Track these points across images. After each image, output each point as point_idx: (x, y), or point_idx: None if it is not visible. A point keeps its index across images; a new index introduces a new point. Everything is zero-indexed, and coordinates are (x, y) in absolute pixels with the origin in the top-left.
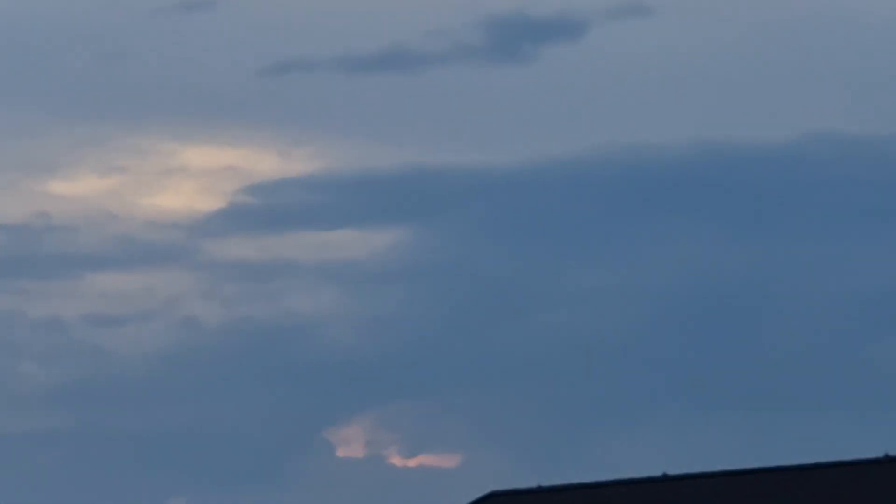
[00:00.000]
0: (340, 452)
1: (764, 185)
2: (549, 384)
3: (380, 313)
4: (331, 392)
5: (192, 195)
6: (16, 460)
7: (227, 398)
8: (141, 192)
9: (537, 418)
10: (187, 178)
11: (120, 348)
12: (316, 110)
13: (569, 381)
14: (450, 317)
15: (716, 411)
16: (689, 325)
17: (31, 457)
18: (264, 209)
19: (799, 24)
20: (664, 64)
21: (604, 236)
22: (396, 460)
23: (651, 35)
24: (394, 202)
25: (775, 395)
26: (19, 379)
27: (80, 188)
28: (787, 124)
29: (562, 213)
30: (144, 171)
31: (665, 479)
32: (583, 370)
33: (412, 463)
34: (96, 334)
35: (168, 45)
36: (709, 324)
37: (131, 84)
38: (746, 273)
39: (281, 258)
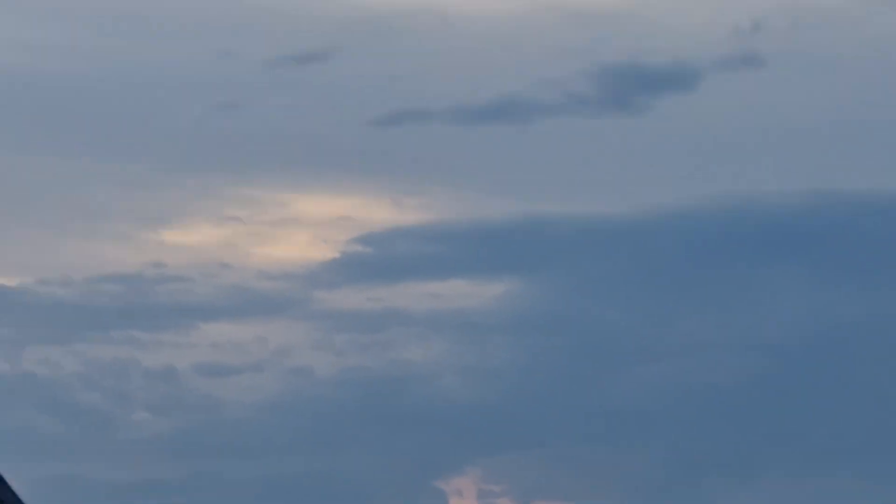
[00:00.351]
0: (453, 502)
1: (877, 234)
2: (658, 435)
3: (490, 364)
4: (442, 442)
5: (305, 245)
6: None
7: (339, 447)
8: (254, 243)
9: (647, 469)
10: (300, 228)
11: (232, 397)
12: (429, 160)
13: (678, 432)
14: (560, 367)
15: (829, 465)
16: (800, 375)
17: None
18: (377, 259)
19: None
20: (776, 114)
21: (714, 287)
22: None
23: (763, 86)
24: (505, 252)
25: (891, 445)
26: (132, 427)
27: (194, 238)
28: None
29: (672, 264)
30: (258, 222)
31: None
32: (692, 421)
33: None
34: (208, 383)
35: (282, 97)
36: (821, 375)
37: (245, 135)
38: (859, 323)
39: (392, 308)
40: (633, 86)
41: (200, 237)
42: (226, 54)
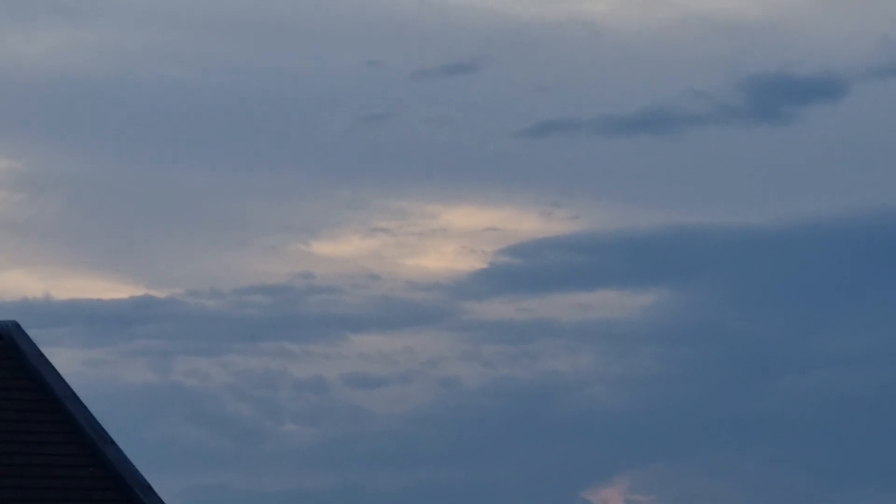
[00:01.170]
0: None
1: None
2: (805, 445)
3: (638, 374)
4: (590, 452)
5: (453, 256)
6: None
7: (486, 458)
8: (402, 254)
9: (795, 479)
10: (448, 239)
11: (380, 408)
12: (577, 171)
13: (824, 444)
14: (707, 377)
15: None
16: None
17: None
18: (524, 270)
19: None
20: None
21: (859, 297)
22: None
23: None
24: (652, 263)
25: None
26: (281, 438)
27: (343, 249)
28: None
29: (819, 275)
30: (406, 233)
31: None
32: (838, 433)
33: None
34: (357, 394)
35: (429, 108)
36: None
37: (393, 147)
38: None
39: (540, 319)
40: (781, 96)
41: (349, 248)
42: (373, 64)
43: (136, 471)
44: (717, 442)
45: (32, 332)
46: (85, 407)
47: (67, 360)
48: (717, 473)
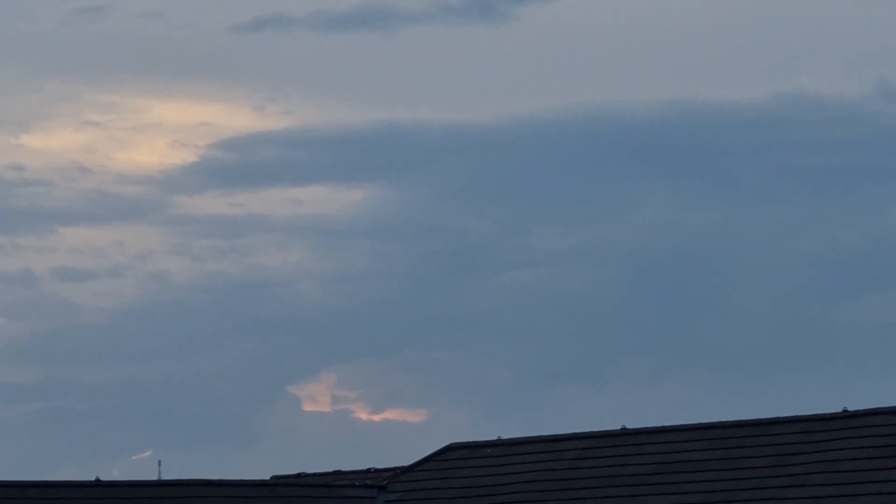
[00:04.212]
0: (306, 407)
1: (734, 144)
2: (514, 343)
3: (348, 270)
4: (298, 347)
5: (165, 150)
6: None
7: (195, 352)
8: (114, 148)
9: (501, 376)
10: (160, 133)
11: (89, 303)
12: (291, 67)
13: (534, 341)
14: (417, 275)
15: (681, 370)
16: (656, 285)
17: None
18: (237, 165)
19: None
20: (637, 24)
21: (573, 197)
22: (363, 415)
23: None
24: (365, 159)
25: (742, 354)
26: None
27: (53, 143)
28: (757, 84)
29: (532, 174)
30: (117, 127)
31: (624, 432)
32: (548, 330)
33: (377, 418)
34: (66, 288)
35: (144, 2)
36: (676, 284)
37: (107, 40)
38: (715, 233)
39: (252, 214)
40: None
41: (60, 141)
42: None
43: None
44: (427, 339)
45: None
46: None
47: None
48: (424, 370)
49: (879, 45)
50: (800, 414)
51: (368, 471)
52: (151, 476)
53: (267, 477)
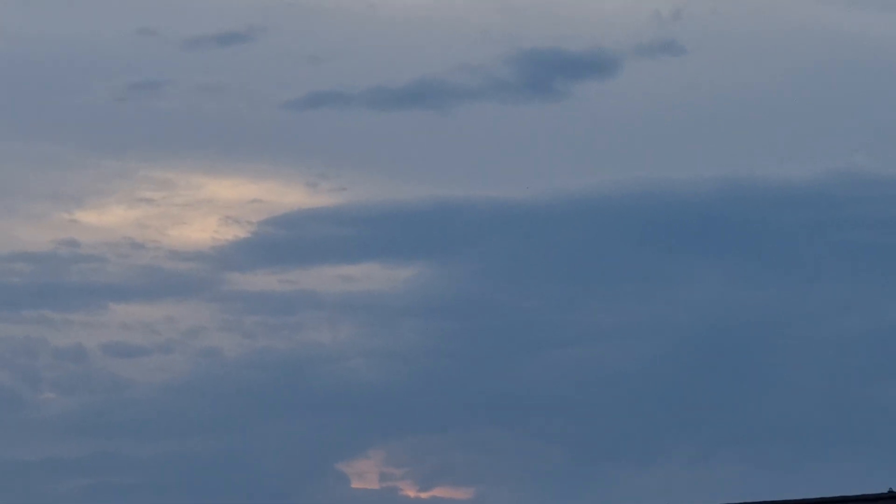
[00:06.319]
0: (355, 485)
1: (786, 222)
2: (563, 421)
3: (398, 347)
4: (346, 424)
5: (217, 227)
6: (34, 486)
7: (245, 428)
8: (166, 224)
9: (549, 454)
10: (213, 209)
11: (139, 378)
12: (345, 143)
13: (582, 418)
14: (466, 352)
15: (729, 448)
16: (706, 363)
17: (49, 483)
18: (288, 241)
19: (823, 63)
20: (692, 102)
21: (623, 273)
22: (411, 493)
23: (681, 73)
24: (416, 236)
25: (790, 432)
26: (39, 406)
27: (107, 219)
28: (810, 162)
29: (582, 250)
30: (170, 203)
31: None
32: (596, 407)
33: (425, 496)
34: (116, 364)
35: (200, 78)
36: (725, 362)
37: (162, 116)
38: (765, 311)
39: (303, 290)
40: (553, 72)
41: (114, 218)
42: (145, 32)
43: None
44: (475, 416)
45: None
46: None
47: None
48: (473, 447)
49: None
50: (846, 494)
51: None
52: None
53: None
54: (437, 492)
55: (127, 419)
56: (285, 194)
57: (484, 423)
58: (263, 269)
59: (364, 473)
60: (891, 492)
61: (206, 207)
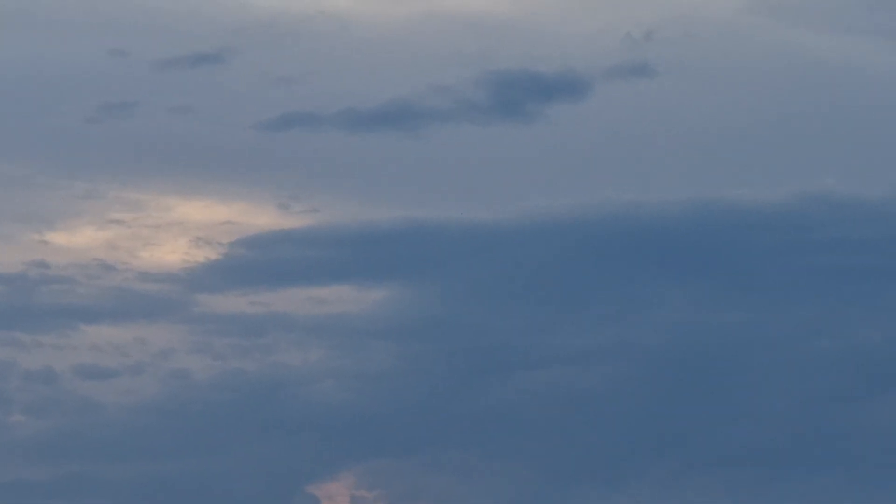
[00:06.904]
0: None
1: (756, 244)
2: (533, 441)
3: (368, 369)
4: (317, 446)
5: (188, 248)
6: None
7: (214, 450)
8: (137, 246)
9: (521, 475)
10: (184, 231)
11: (109, 400)
12: (316, 165)
13: (553, 439)
14: (437, 373)
15: (700, 469)
16: (677, 385)
17: None
18: (259, 263)
19: (794, 87)
20: (664, 124)
21: (594, 295)
22: None
23: (652, 96)
24: (387, 258)
25: (761, 455)
26: (8, 430)
27: (77, 240)
28: (780, 185)
29: (553, 271)
30: (141, 225)
31: None
32: (568, 429)
33: None
34: (87, 386)
35: (172, 98)
36: (696, 384)
37: (132, 138)
38: (736, 333)
39: (274, 312)
40: (524, 93)
41: (84, 239)
42: (116, 53)
43: None
44: (446, 438)
45: None
46: None
47: None
48: (444, 469)
49: None
50: None
51: None
52: None
53: None
54: None
55: (97, 441)
56: (257, 216)
57: (455, 445)
58: (234, 290)
59: (335, 496)
60: None
61: (176, 229)
